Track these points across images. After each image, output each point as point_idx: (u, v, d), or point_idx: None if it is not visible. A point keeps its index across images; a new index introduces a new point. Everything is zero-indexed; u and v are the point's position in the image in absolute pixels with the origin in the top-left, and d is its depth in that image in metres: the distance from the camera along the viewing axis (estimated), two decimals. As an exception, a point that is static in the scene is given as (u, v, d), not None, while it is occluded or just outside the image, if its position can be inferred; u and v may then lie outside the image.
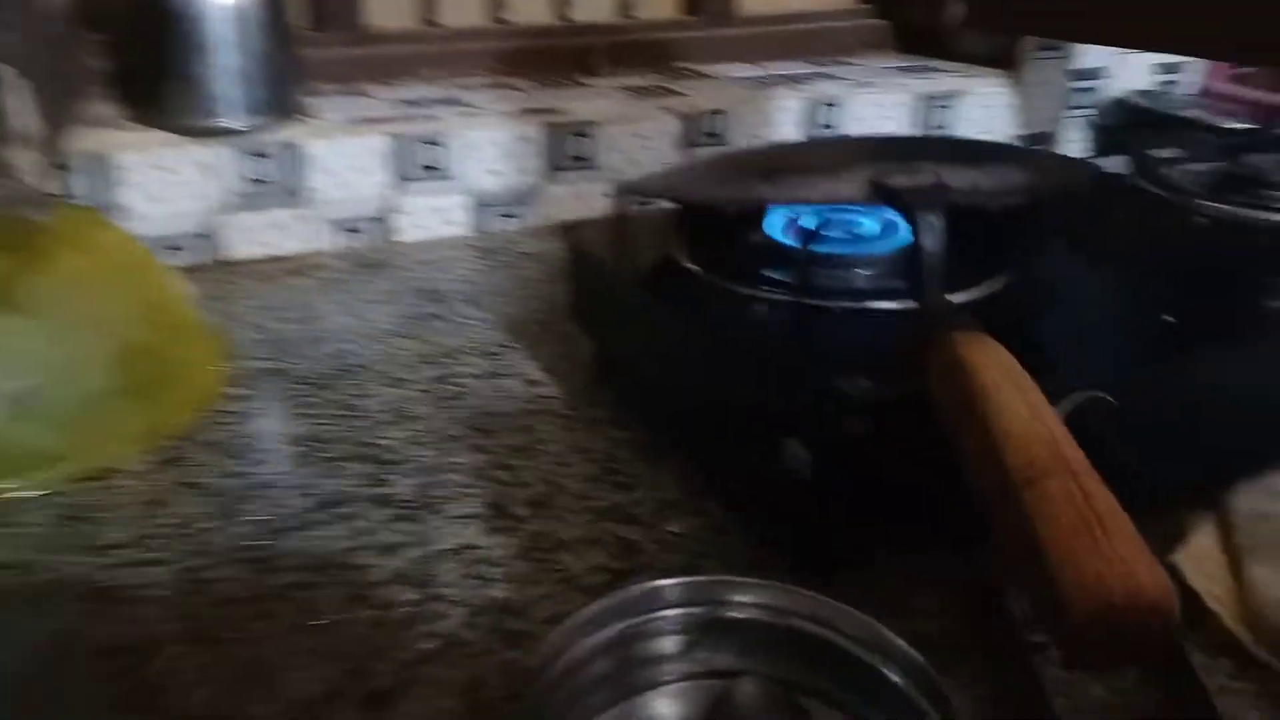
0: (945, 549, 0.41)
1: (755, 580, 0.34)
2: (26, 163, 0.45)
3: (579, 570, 0.43)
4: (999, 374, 0.35)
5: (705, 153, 0.88)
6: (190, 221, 0.75)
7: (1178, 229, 0.61)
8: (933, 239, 0.41)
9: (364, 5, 0.91)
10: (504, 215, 0.85)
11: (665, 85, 0.93)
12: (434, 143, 0.80)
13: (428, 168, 0.81)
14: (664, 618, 0.33)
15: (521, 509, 0.47)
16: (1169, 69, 1.06)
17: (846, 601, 0.33)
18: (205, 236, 0.76)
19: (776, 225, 0.54)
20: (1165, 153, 0.70)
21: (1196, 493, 0.45)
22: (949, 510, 0.39)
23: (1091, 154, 1.03)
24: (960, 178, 0.46)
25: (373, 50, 0.91)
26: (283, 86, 0.76)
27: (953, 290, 0.48)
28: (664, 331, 0.52)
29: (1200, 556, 0.41)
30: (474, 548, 0.45)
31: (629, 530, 0.46)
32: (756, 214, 0.57)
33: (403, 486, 0.49)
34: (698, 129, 0.88)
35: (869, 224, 0.54)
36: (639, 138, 0.87)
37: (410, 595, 0.42)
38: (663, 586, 0.33)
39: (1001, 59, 1.03)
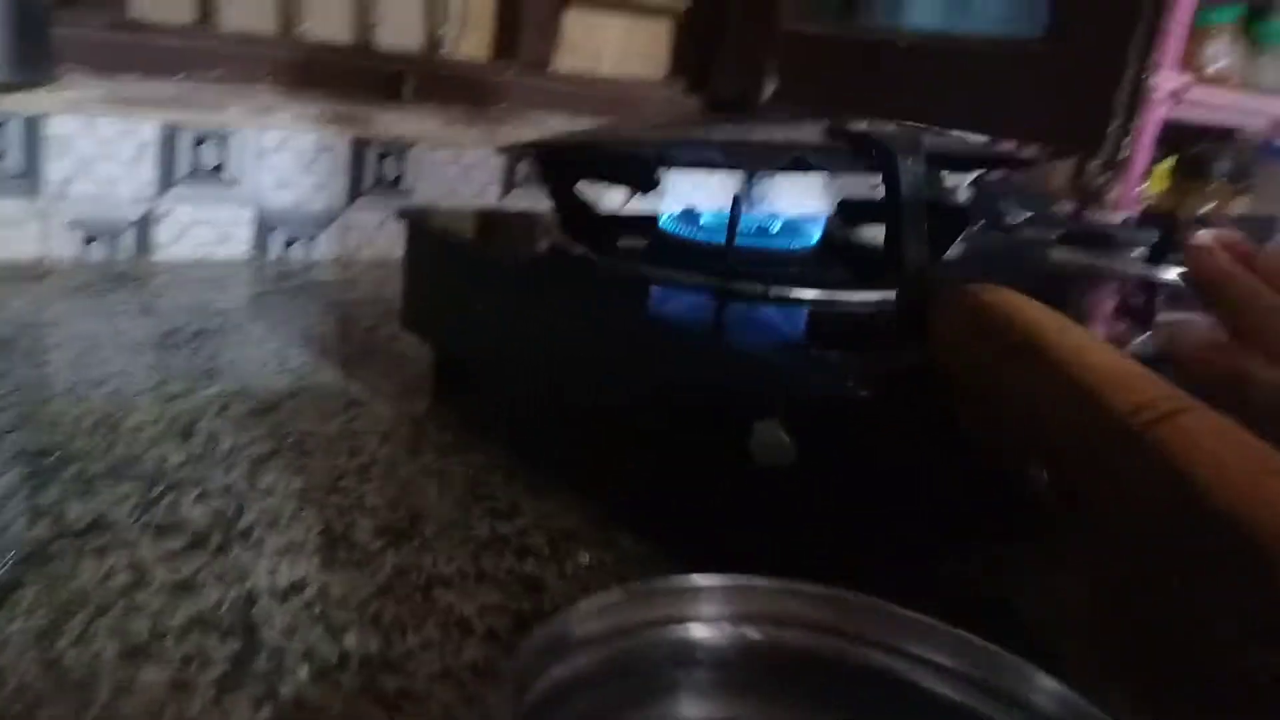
0: (955, 553, 0.33)
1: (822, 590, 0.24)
2: None
3: (469, 611, 0.31)
4: (1053, 317, 0.28)
5: (542, 201, 0.80)
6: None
7: (1046, 277, 0.59)
8: (915, 187, 0.35)
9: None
10: (292, 241, 0.72)
11: (486, 121, 0.84)
12: (215, 138, 0.67)
13: (204, 170, 0.67)
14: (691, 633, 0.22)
15: (371, 539, 0.35)
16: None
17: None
18: (-107, 221, 0.58)
19: (672, 220, 0.47)
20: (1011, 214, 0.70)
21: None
22: (958, 507, 0.32)
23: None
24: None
25: (139, 38, 0.76)
26: (29, 39, 0.60)
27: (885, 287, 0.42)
28: (561, 327, 0.42)
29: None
30: (310, 586, 0.32)
31: (524, 564, 0.34)
32: (646, 216, 0.49)
33: (192, 511, 0.35)
34: (523, 166, 0.80)
35: (777, 222, 0.48)
36: (460, 166, 0.77)
37: (222, 648, 0.28)
38: (696, 586, 0.23)
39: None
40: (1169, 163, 1.04)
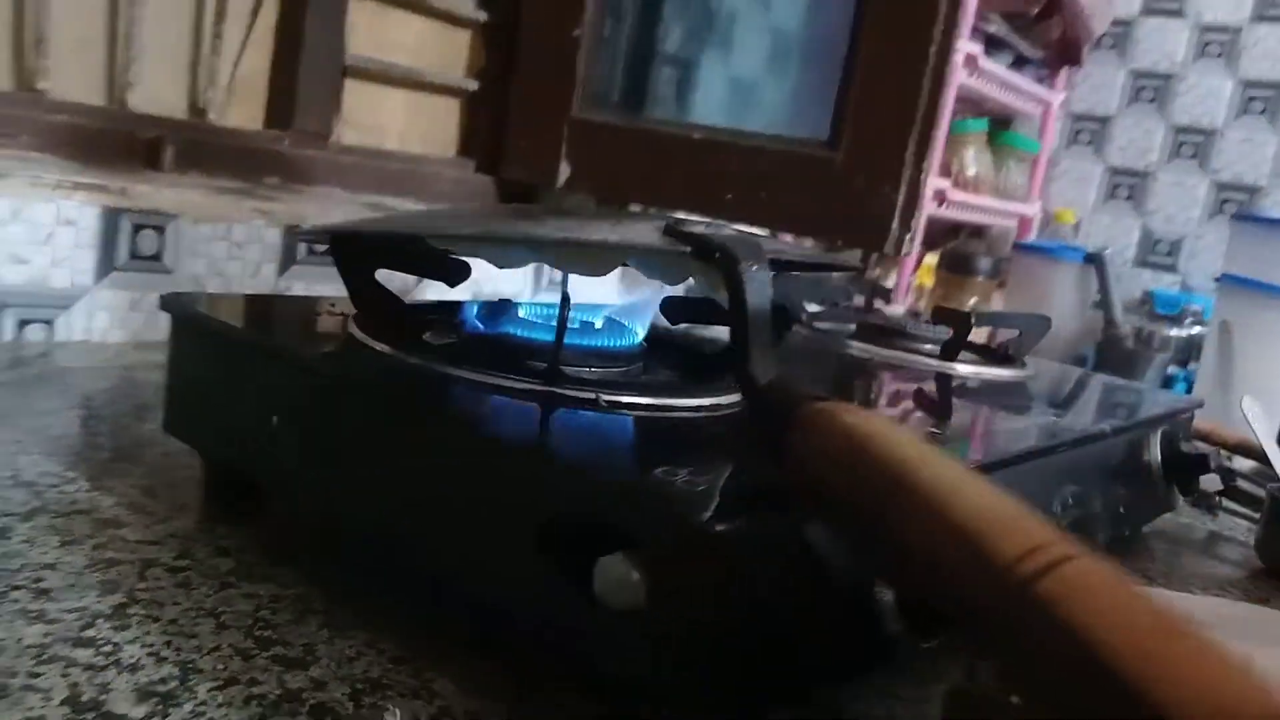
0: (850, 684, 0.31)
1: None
2: None
3: (262, 796, 0.26)
4: (918, 446, 0.27)
5: (325, 285, 0.74)
6: None
7: (844, 367, 0.59)
8: (762, 296, 0.33)
9: None
10: (30, 322, 0.62)
11: (258, 192, 0.78)
12: (-68, 209, 0.57)
13: (-84, 243, 0.57)
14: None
15: (132, 704, 0.29)
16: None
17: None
18: None
19: (480, 315, 0.43)
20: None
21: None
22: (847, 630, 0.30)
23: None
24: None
25: None
26: None
27: (713, 394, 0.40)
28: (365, 432, 0.37)
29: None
30: (52, 778, 0.25)
31: (326, 724, 0.29)
32: (436, 306, 0.46)
33: (-110, 683, 0.28)
34: (304, 248, 0.74)
35: (597, 318, 0.45)
36: (230, 243, 0.70)
37: None
38: None
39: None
40: (934, 258, 1.12)
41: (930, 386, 0.57)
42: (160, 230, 0.67)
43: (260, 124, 0.91)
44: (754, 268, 0.33)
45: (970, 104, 1.23)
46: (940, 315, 0.66)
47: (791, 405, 0.30)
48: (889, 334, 0.66)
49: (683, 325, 0.47)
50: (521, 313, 0.44)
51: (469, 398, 0.36)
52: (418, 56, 1.03)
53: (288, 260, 0.73)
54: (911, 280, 1.14)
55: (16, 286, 0.61)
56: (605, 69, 1.01)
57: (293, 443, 0.39)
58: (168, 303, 0.42)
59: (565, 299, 0.39)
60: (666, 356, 0.46)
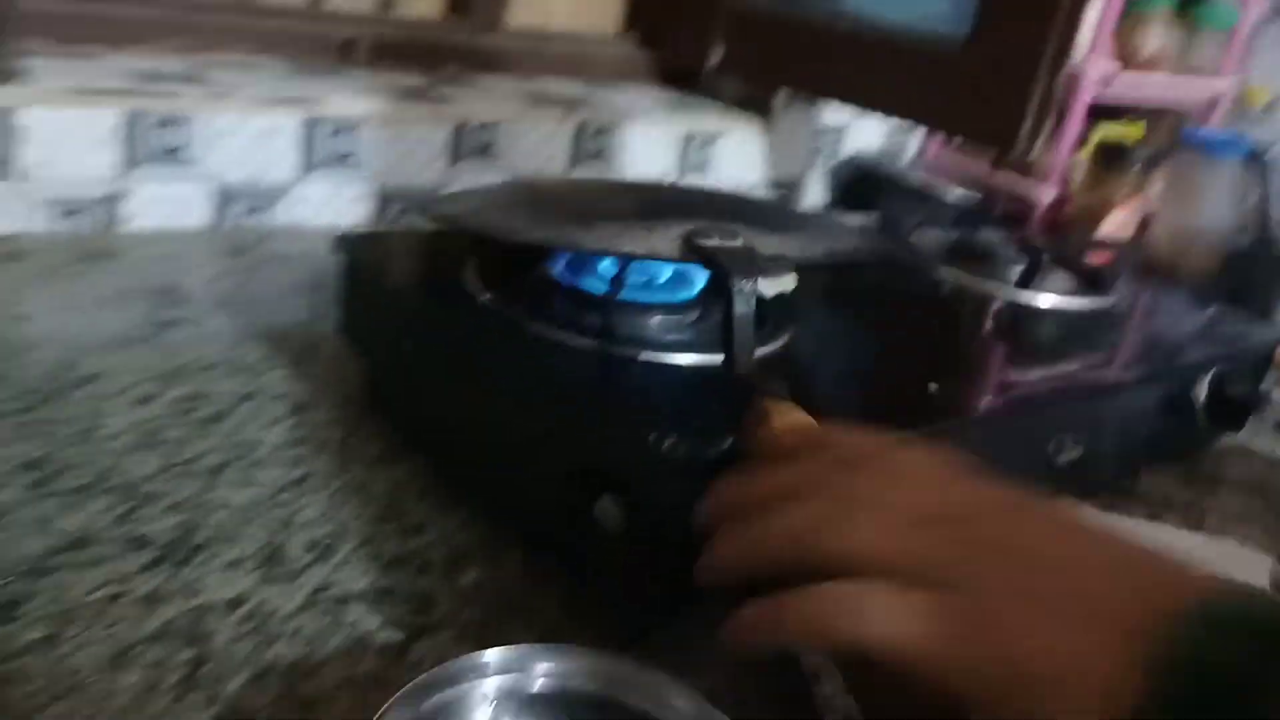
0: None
1: (562, 646, 0.34)
2: None
3: (372, 625, 0.41)
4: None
5: (485, 175, 0.86)
6: None
7: (925, 296, 0.67)
8: (746, 304, 0.43)
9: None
10: (252, 211, 0.78)
11: (432, 90, 0.90)
12: (175, 123, 0.73)
13: (165, 151, 0.73)
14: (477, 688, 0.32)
15: (301, 554, 0.44)
16: (899, 132, 1.18)
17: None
18: (-117, 205, 0.64)
19: (570, 266, 0.54)
20: (907, 219, 0.77)
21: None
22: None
23: (829, 206, 1.12)
24: (767, 243, 0.48)
25: (101, 8, 0.80)
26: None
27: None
28: (455, 366, 0.50)
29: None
30: (251, 599, 0.41)
31: (422, 581, 0.44)
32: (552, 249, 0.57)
33: (160, 525, 0.44)
34: (468, 141, 0.86)
35: (663, 270, 0.55)
36: (405, 142, 0.83)
37: (182, 655, 0.37)
38: (475, 660, 0.32)
39: (757, 105, 1.09)
40: (1091, 148, 1.11)
41: (989, 318, 0.64)
42: (350, 133, 0.80)
43: (440, 14, 1.02)
44: (744, 283, 0.43)
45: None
46: (1022, 245, 0.71)
47: (752, 394, 0.40)
48: (977, 256, 0.72)
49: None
50: (601, 268, 0.54)
51: (534, 348, 0.48)
52: (583, -63, 1.09)
53: (456, 154, 0.86)
54: (1066, 167, 1.14)
55: (239, 183, 0.77)
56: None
57: (412, 363, 0.52)
58: (338, 244, 0.56)
59: (625, 264, 0.50)
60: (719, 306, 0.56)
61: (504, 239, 0.48)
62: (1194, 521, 0.60)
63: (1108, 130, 1.15)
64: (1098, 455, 0.56)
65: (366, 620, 0.41)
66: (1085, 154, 1.12)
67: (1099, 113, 1.16)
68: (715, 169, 1.03)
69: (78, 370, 0.55)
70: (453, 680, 0.32)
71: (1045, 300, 0.66)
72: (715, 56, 1.05)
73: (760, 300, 0.55)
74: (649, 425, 0.42)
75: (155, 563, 0.42)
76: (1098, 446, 0.55)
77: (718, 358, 0.49)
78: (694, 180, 1.04)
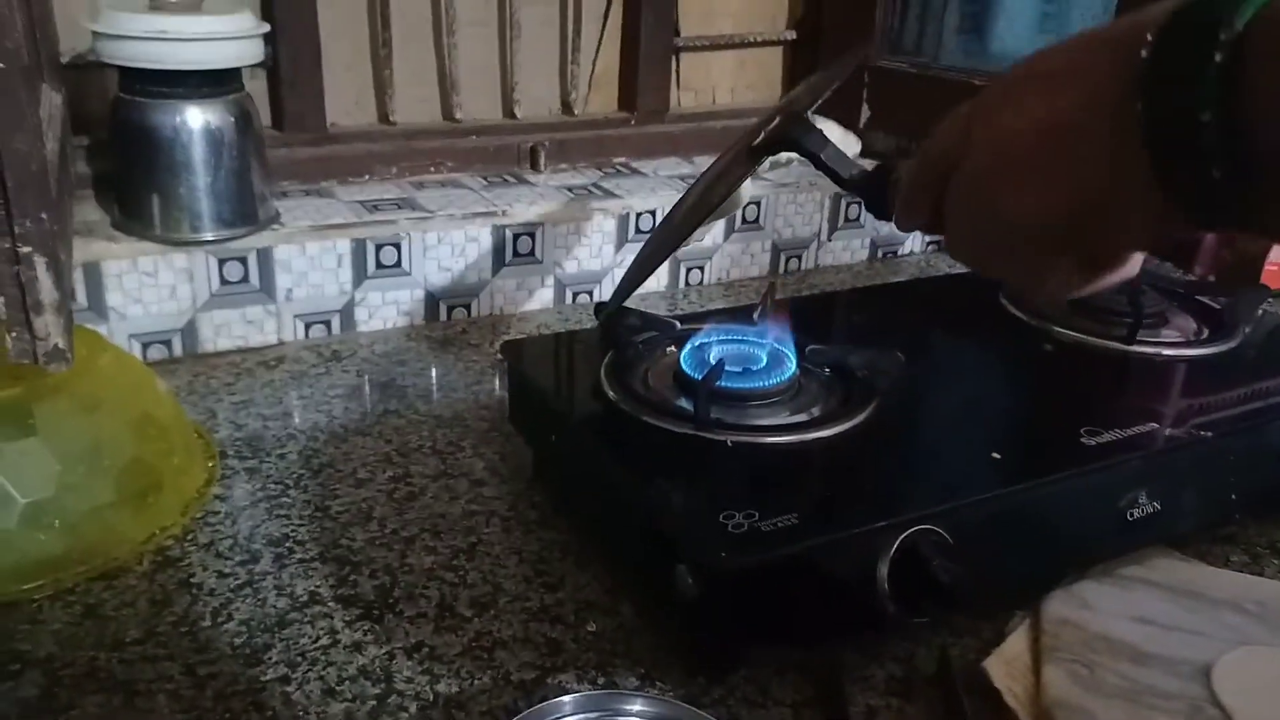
0: (803, 644, 0.52)
1: (639, 693, 0.44)
2: (49, 325, 0.53)
3: (513, 667, 0.53)
4: None
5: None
6: (171, 320, 0.83)
7: (1026, 354, 0.72)
8: (819, 144, 0.53)
9: (325, 107, 0.99)
10: (454, 306, 0.94)
11: (602, 185, 1.03)
12: (392, 244, 0.89)
13: (385, 266, 0.90)
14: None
15: (467, 609, 0.57)
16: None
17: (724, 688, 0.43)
18: (184, 332, 0.84)
19: (687, 356, 0.64)
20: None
21: (1017, 602, 0.56)
22: (808, 617, 0.50)
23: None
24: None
25: (333, 150, 0.99)
26: (254, 196, 0.85)
27: (827, 424, 0.59)
28: (585, 449, 0.62)
29: (1009, 658, 0.52)
30: (426, 646, 0.54)
31: (554, 630, 0.55)
32: (676, 339, 0.67)
33: (365, 587, 0.58)
34: (632, 226, 0.99)
35: (763, 356, 0.65)
36: (579, 235, 0.97)
37: (374, 690, 0.51)
38: (563, 702, 0.43)
39: (908, 155, 1.15)
40: None
41: (1085, 375, 0.68)
42: (532, 235, 0.95)
43: (614, 109, 1.15)
44: (804, 132, 0.52)
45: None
46: (1131, 295, 0.74)
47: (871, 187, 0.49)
48: (1086, 311, 0.75)
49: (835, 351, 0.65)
50: (716, 357, 0.64)
51: (641, 437, 0.58)
52: (741, 18, 1.19)
53: (621, 241, 0.99)
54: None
55: (443, 285, 0.93)
56: (904, 17, 1.10)
57: (559, 447, 0.64)
58: (504, 350, 0.69)
59: (718, 367, 0.59)
60: (815, 380, 0.64)
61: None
62: (1300, 568, 0.61)
63: None
64: (1181, 509, 0.59)
65: (509, 663, 0.53)
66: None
67: None
68: (868, 222, 1.10)
69: (318, 459, 0.71)
70: (538, 718, 0.43)
71: (1150, 349, 0.69)
72: (864, 117, 1.12)
73: (849, 372, 0.63)
74: (720, 505, 0.51)
75: (360, 618, 0.56)
76: (1175, 501, 0.59)
77: (805, 437, 0.58)
78: (843, 240, 1.11)
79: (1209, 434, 0.60)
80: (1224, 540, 0.63)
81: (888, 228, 1.11)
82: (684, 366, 0.63)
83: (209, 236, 0.82)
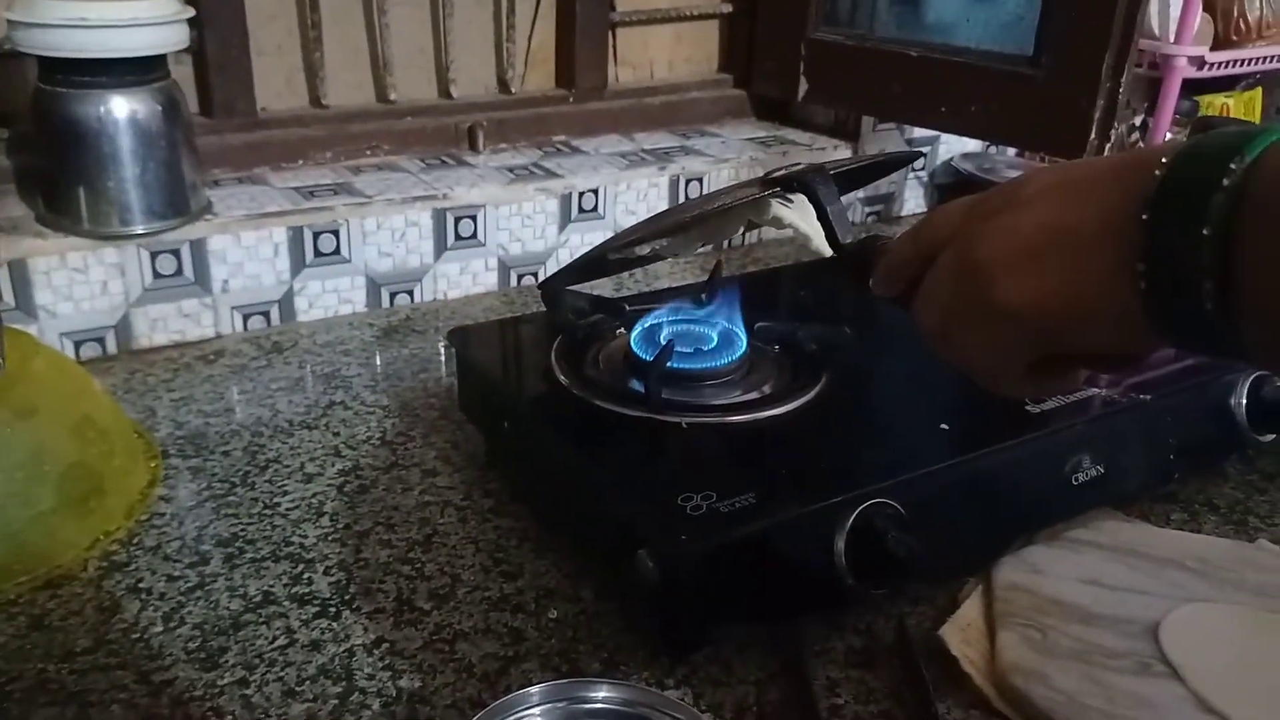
0: (765, 621, 0.52)
1: (604, 680, 0.44)
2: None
3: (475, 659, 0.52)
4: None
5: (592, 234, 0.98)
6: (104, 317, 0.81)
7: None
8: (831, 199, 0.52)
9: (254, 90, 0.97)
10: (397, 293, 0.93)
11: (543, 165, 1.02)
12: (330, 232, 0.88)
13: (324, 254, 0.88)
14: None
15: (425, 602, 0.56)
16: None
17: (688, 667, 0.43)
18: (118, 328, 0.82)
19: (637, 338, 0.64)
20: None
21: (969, 569, 0.57)
22: (769, 595, 0.51)
23: (928, 210, 1.17)
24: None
25: (265, 136, 0.97)
26: (185, 186, 0.82)
27: (779, 402, 0.59)
28: (539, 437, 0.61)
29: (964, 625, 0.53)
30: (386, 641, 0.53)
31: (515, 618, 0.55)
32: (625, 321, 0.67)
33: (320, 584, 0.58)
34: (574, 206, 0.98)
35: (713, 336, 0.65)
36: (521, 217, 0.96)
37: (335, 689, 0.50)
38: (529, 693, 0.42)
39: (847, 129, 1.16)
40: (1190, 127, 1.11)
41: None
42: (473, 218, 0.93)
43: (552, 86, 1.14)
44: (821, 183, 0.52)
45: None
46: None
47: (861, 257, 0.48)
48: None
49: (783, 328, 0.65)
50: (666, 337, 0.64)
51: (595, 422, 0.58)
52: (678, -9, 1.18)
53: (564, 221, 0.98)
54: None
55: (386, 271, 0.91)
56: (836, -11, 1.10)
57: (510, 435, 0.64)
58: (451, 337, 0.68)
59: (668, 348, 0.59)
60: (765, 358, 0.64)
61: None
62: (1237, 521, 0.64)
63: (1212, 105, 1.14)
64: (1123, 471, 0.61)
65: (471, 654, 0.53)
66: (1185, 134, 1.11)
67: (1210, 86, 1.15)
68: (811, 196, 1.10)
69: (264, 454, 0.70)
70: (505, 711, 0.42)
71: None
72: (802, 89, 1.12)
73: (798, 348, 0.64)
74: (678, 488, 0.51)
75: (316, 616, 0.55)
76: (1119, 464, 0.60)
77: (758, 415, 0.58)
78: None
79: (1146, 396, 0.62)
80: (1164, 499, 0.65)
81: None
82: (634, 348, 0.63)
83: (139, 229, 0.79)
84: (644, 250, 0.61)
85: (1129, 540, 0.60)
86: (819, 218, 0.51)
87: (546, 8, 1.11)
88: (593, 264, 0.64)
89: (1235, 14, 1.15)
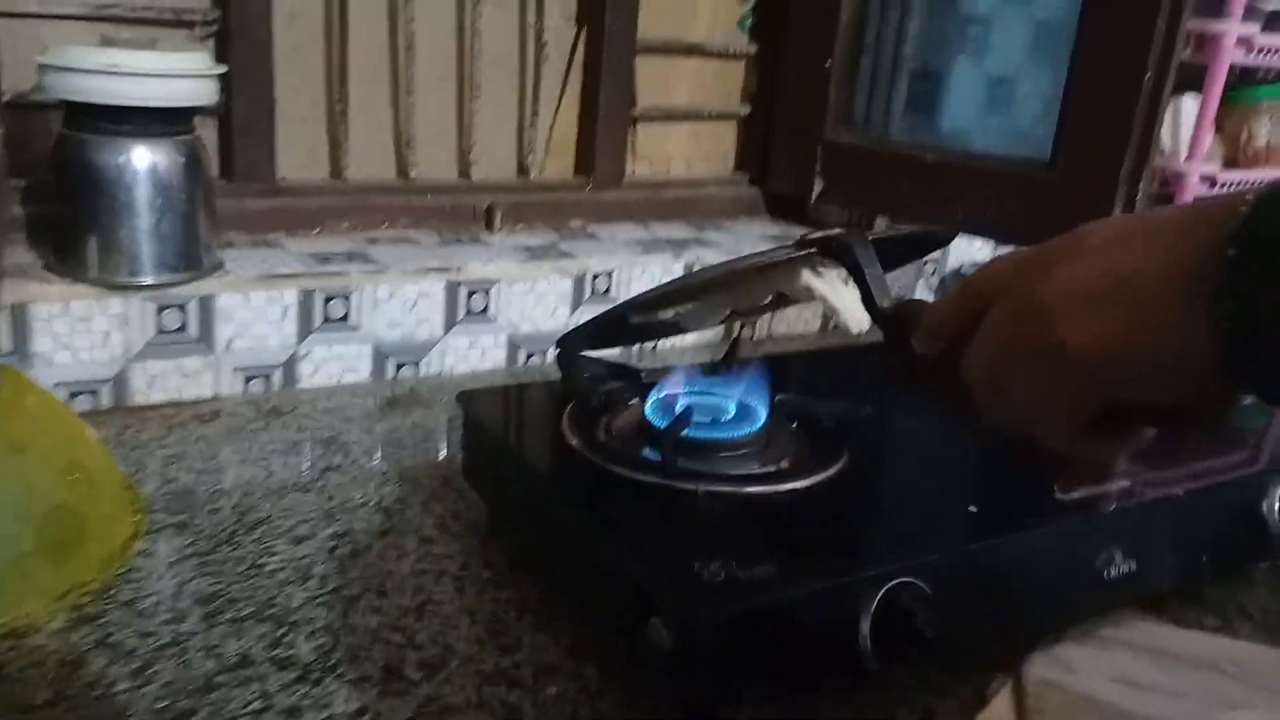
0: (783, 701, 0.48)
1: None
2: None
3: (466, 733, 0.49)
4: None
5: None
6: (102, 369, 0.78)
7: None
8: (870, 261, 0.50)
9: (276, 159, 0.97)
10: (403, 364, 0.91)
11: (559, 247, 1.01)
12: (341, 297, 0.86)
13: (333, 320, 0.87)
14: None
15: (415, 672, 0.53)
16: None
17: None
18: (115, 381, 0.79)
19: (652, 405, 0.62)
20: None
21: (997, 661, 0.54)
22: (788, 672, 0.47)
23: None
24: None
25: (284, 202, 0.97)
26: (199, 243, 0.81)
27: (799, 476, 0.57)
28: (547, 501, 0.58)
29: (993, 720, 0.49)
30: (370, 711, 0.50)
31: (511, 693, 0.51)
32: (641, 390, 0.65)
33: (303, 648, 0.54)
34: (588, 287, 0.97)
35: (731, 408, 0.62)
36: (533, 294, 0.95)
37: (312, 757, 0.46)
38: None
39: (860, 228, 1.16)
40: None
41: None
42: (486, 293, 0.92)
43: (570, 174, 1.14)
44: (860, 246, 0.49)
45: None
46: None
47: (898, 321, 0.46)
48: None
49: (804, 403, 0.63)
50: (680, 407, 0.61)
51: (606, 487, 0.55)
52: (697, 91, 1.20)
53: (577, 301, 0.97)
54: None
55: (394, 342, 0.90)
56: (855, 94, 1.12)
57: (518, 500, 0.61)
58: (460, 399, 0.66)
59: (685, 414, 0.57)
60: (784, 432, 0.62)
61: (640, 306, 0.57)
62: (1271, 629, 0.60)
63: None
64: (1156, 567, 0.58)
65: (461, 728, 0.49)
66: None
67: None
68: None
69: (253, 515, 0.67)
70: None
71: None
72: (816, 188, 1.13)
73: (818, 424, 0.62)
74: (694, 554, 0.49)
75: (297, 680, 0.51)
76: (1151, 560, 0.58)
77: (777, 488, 0.55)
78: (796, 307, 1.11)
79: (1180, 491, 0.59)
80: (1194, 603, 0.62)
81: (842, 299, 1.11)
82: (649, 416, 0.61)
83: (148, 280, 0.78)
84: (667, 315, 0.60)
85: (1160, 641, 0.56)
86: (856, 280, 0.50)
87: (570, 98, 1.13)
88: (611, 325, 0.62)
89: (1242, 140, 1.17)
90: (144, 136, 0.76)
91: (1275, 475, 0.63)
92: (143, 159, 0.76)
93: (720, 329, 1.03)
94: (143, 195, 0.77)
